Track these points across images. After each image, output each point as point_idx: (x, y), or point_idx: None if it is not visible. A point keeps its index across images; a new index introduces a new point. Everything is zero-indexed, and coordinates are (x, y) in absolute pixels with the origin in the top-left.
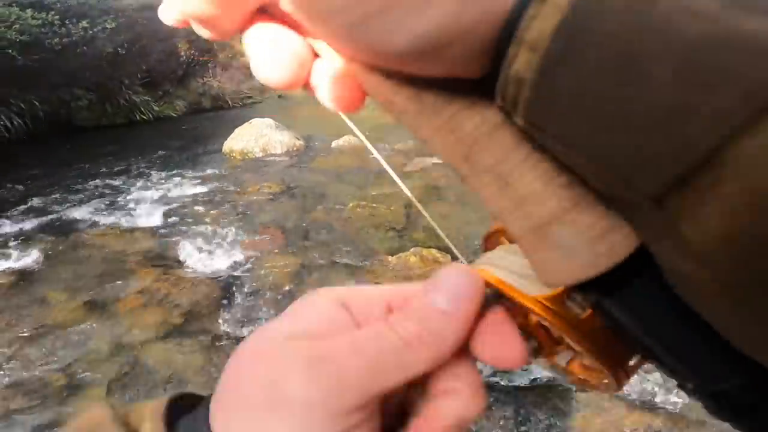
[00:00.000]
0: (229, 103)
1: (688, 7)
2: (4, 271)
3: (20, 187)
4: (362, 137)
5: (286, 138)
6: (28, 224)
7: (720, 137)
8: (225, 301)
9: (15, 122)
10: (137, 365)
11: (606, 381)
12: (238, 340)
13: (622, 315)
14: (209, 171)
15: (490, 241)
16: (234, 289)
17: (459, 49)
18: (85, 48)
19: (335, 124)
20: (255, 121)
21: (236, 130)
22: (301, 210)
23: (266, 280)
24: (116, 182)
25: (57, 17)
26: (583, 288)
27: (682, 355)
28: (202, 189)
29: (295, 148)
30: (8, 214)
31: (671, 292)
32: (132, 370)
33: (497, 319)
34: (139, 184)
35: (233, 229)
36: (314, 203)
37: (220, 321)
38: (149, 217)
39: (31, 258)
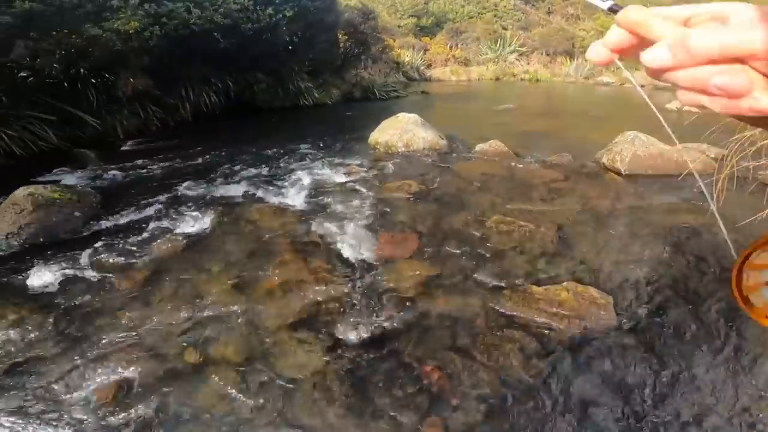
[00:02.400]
0: (377, 94)
1: None
2: (179, 233)
3: (207, 157)
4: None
5: (429, 136)
6: (206, 192)
7: None
8: (352, 301)
9: (213, 99)
10: (264, 355)
11: None
12: (358, 347)
13: None
14: (355, 160)
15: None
16: (363, 289)
17: None
18: (269, 35)
19: (477, 125)
20: (401, 115)
21: (383, 123)
22: (439, 216)
23: (395, 287)
24: (280, 162)
25: (251, 2)
26: None
27: None
28: (347, 178)
29: (437, 147)
30: (194, 180)
31: None
32: (259, 358)
33: None
34: (297, 165)
35: (371, 226)
36: (453, 211)
37: (343, 324)
38: (301, 199)
39: (202, 226)
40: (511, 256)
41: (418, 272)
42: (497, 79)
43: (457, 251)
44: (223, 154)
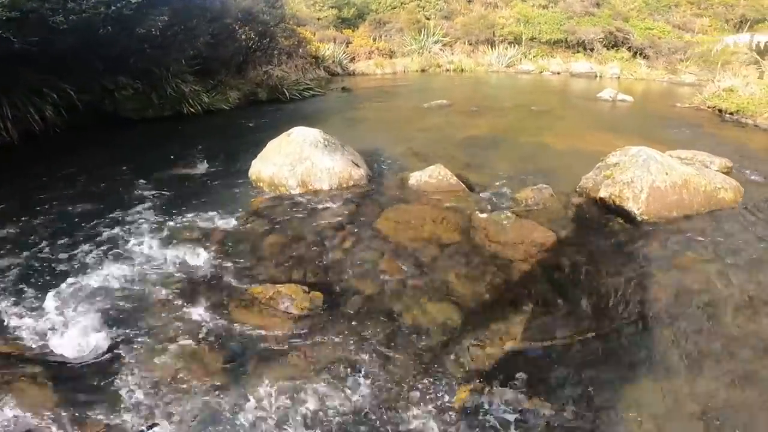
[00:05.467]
0: (287, 95)
1: None
2: None
3: None
4: None
5: (338, 165)
6: None
7: None
8: None
9: (49, 113)
10: None
11: None
12: None
13: None
14: (219, 218)
15: None
16: None
17: None
18: (109, 28)
19: (408, 132)
20: (295, 133)
21: (269, 145)
22: (355, 403)
23: None
24: (97, 225)
25: None
26: None
27: None
28: (194, 265)
29: (351, 184)
30: None
31: None
32: None
33: None
34: (120, 234)
35: None
36: (383, 379)
37: None
38: (83, 340)
39: None
40: None
41: None
42: (423, 70)
43: None
44: (15, 208)
